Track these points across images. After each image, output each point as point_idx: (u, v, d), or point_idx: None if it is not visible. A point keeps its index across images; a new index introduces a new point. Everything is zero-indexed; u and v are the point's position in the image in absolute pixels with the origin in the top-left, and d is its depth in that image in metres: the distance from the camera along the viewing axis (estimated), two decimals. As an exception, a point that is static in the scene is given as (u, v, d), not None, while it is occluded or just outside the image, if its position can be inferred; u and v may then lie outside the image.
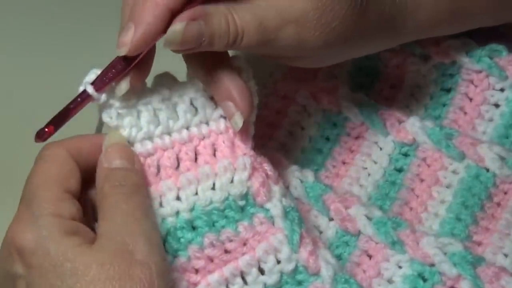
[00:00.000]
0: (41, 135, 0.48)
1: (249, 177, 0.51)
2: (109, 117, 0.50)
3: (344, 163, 0.61)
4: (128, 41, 0.48)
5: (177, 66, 0.53)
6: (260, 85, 0.64)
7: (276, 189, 0.52)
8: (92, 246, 0.46)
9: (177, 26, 0.47)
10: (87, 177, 0.50)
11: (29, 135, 0.49)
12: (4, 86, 0.78)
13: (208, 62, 0.51)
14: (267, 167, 0.53)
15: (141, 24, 0.47)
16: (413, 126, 0.59)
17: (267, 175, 0.52)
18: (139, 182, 0.50)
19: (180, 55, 0.52)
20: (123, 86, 0.50)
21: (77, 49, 0.79)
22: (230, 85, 0.51)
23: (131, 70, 0.50)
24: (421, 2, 0.56)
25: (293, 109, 0.63)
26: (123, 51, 0.48)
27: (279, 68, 0.65)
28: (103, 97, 0.50)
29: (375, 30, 0.54)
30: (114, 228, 0.47)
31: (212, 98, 0.53)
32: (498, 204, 0.57)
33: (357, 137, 0.61)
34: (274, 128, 0.64)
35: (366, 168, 0.60)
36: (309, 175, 0.58)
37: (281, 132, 0.63)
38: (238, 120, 0.51)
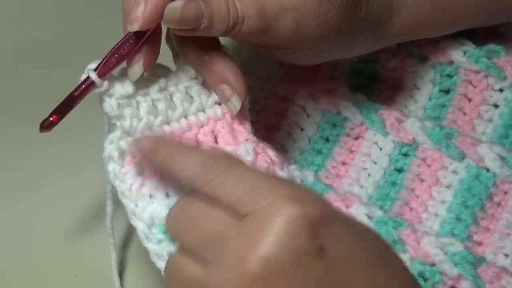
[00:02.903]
0: (46, 125, 0.48)
1: (253, 163, 0.51)
2: (110, 107, 0.50)
3: (344, 163, 0.61)
4: (140, 15, 0.48)
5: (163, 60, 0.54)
6: (259, 87, 0.65)
7: (283, 174, 0.52)
8: None
9: (177, 3, 0.47)
10: None
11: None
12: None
13: (201, 47, 0.51)
14: (270, 152, 0.53)
15: None
16: (413, 126, 0.59)
17: (271, 160, 0.52)
18: None
19: (166, 51, 0.52)
20: (137, 69, 0.50)
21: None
22: (225, 68, 0.51)
23: (138, 53, 0.50)
24: (404, 2, 0.56)
25: (292, 110, 0.63)
26: (135, 26, 0.48)
27: (278, 71, 0.65)
28: (105, 84, 0.50)
29: (364, 27, 0.54)
30: None
31: (205, 86, 0.53)
32: (499, 204, 0.57)
33: (356, 138, 0.61)
34: (273, 130, 0.63)
35: (366, 169, 0.60)
36: (308, 175, 0.58)
37: (281, 134, 0.63)
38: (236, 103, 0.51)
